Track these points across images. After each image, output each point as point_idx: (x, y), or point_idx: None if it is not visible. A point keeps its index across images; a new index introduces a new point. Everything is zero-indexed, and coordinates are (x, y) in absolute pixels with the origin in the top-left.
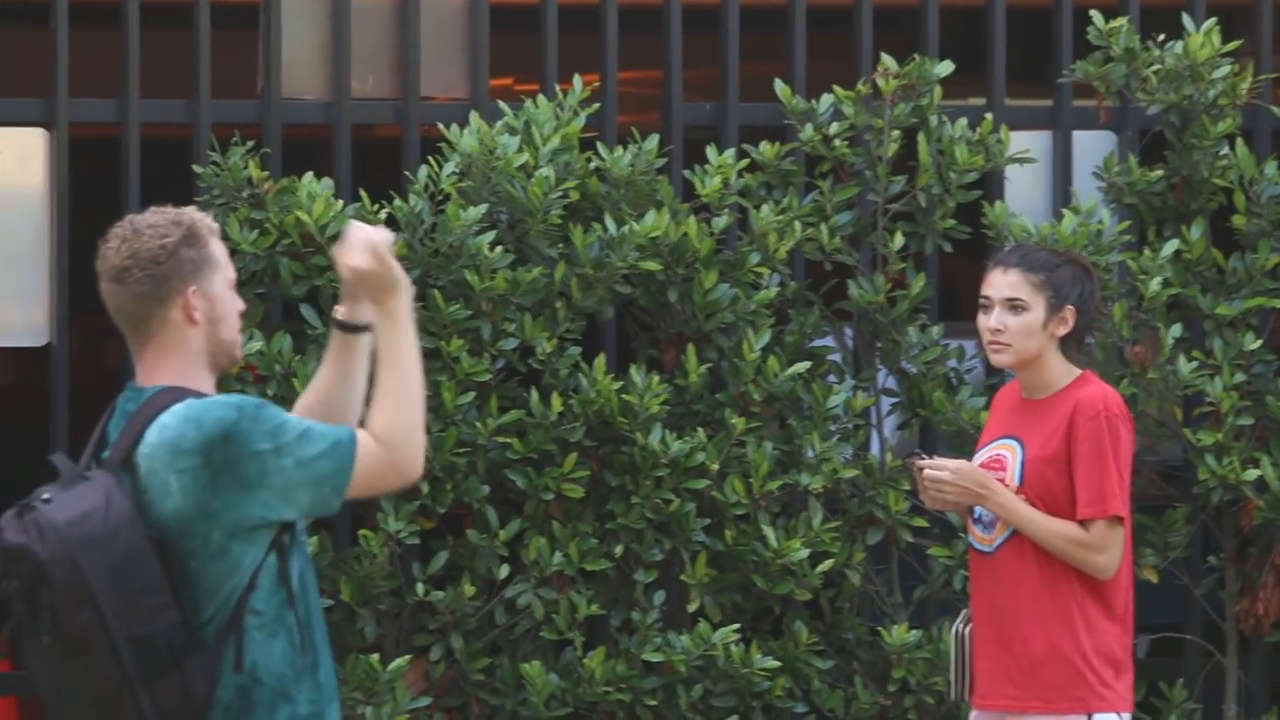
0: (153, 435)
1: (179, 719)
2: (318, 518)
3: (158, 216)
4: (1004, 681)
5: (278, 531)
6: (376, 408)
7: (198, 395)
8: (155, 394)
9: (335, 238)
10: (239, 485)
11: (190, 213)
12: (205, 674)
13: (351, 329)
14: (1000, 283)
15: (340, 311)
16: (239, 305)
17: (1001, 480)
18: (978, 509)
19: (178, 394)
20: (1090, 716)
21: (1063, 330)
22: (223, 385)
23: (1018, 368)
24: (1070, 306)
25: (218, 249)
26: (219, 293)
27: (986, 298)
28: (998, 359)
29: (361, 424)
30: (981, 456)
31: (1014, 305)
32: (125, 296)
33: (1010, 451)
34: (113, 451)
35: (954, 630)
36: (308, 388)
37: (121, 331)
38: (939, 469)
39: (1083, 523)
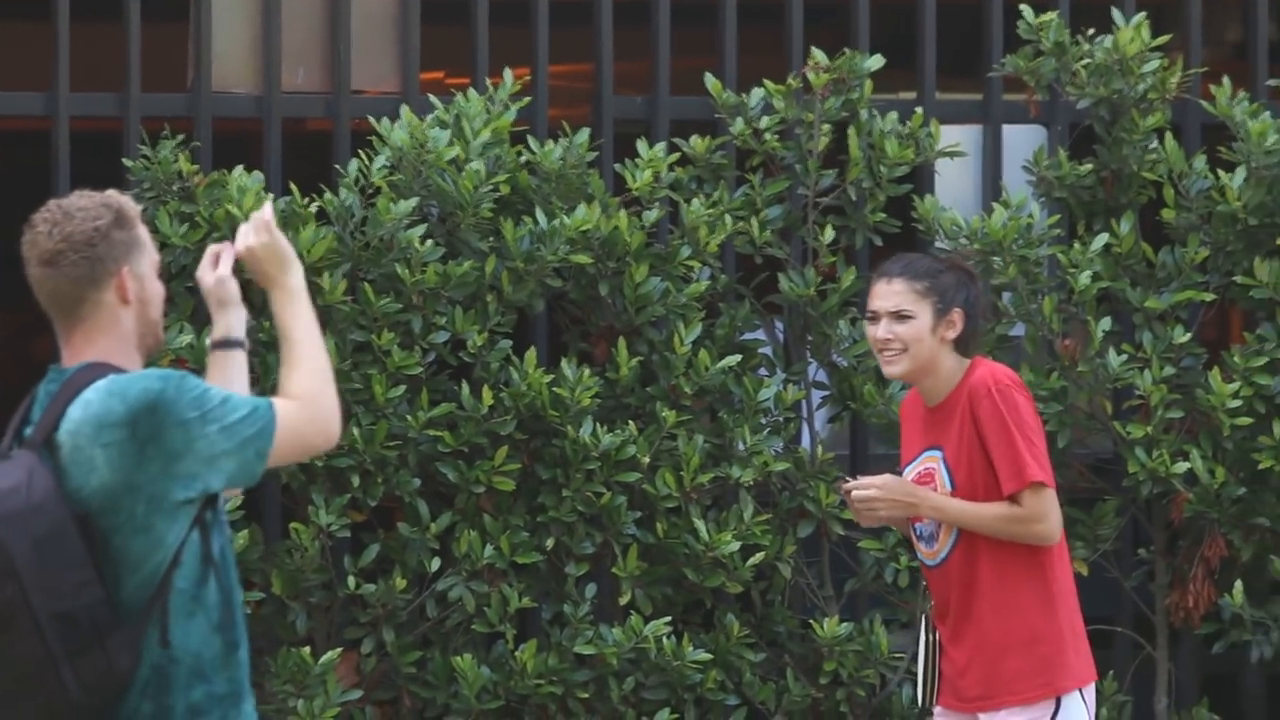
0: (75, 412)
1: (102, 694)
2: (247, 506)
3: (86, 200)
4: (973, 683)
5: (200, 508)
6: (287, 375)
7: (119, 371)
8: (76, 372)
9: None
10: (165, 456)
11: (116, 195)
12: (129, 650)
13: (228, 345)
14: (885, 293)
15: (215, 333)
16: (162, 289)
17: (935, 491)
18: (918, 525)
19: (100, 370)
20: (1059, 699)
21: (951, 334)
22: None
23: (913, 377)
24: (957, 310)
25: (143, 231)
26: (147, 274)
27: (873, 311)
28: (891, 370)
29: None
30: (911, 473)
31: (901, 315)
32: (59, 280)
33: (935, 462)
34: (35, 430)
35: (924, 639)
36: None
37: (50, 316)
38: (865, 488)
39: (1012, 498)
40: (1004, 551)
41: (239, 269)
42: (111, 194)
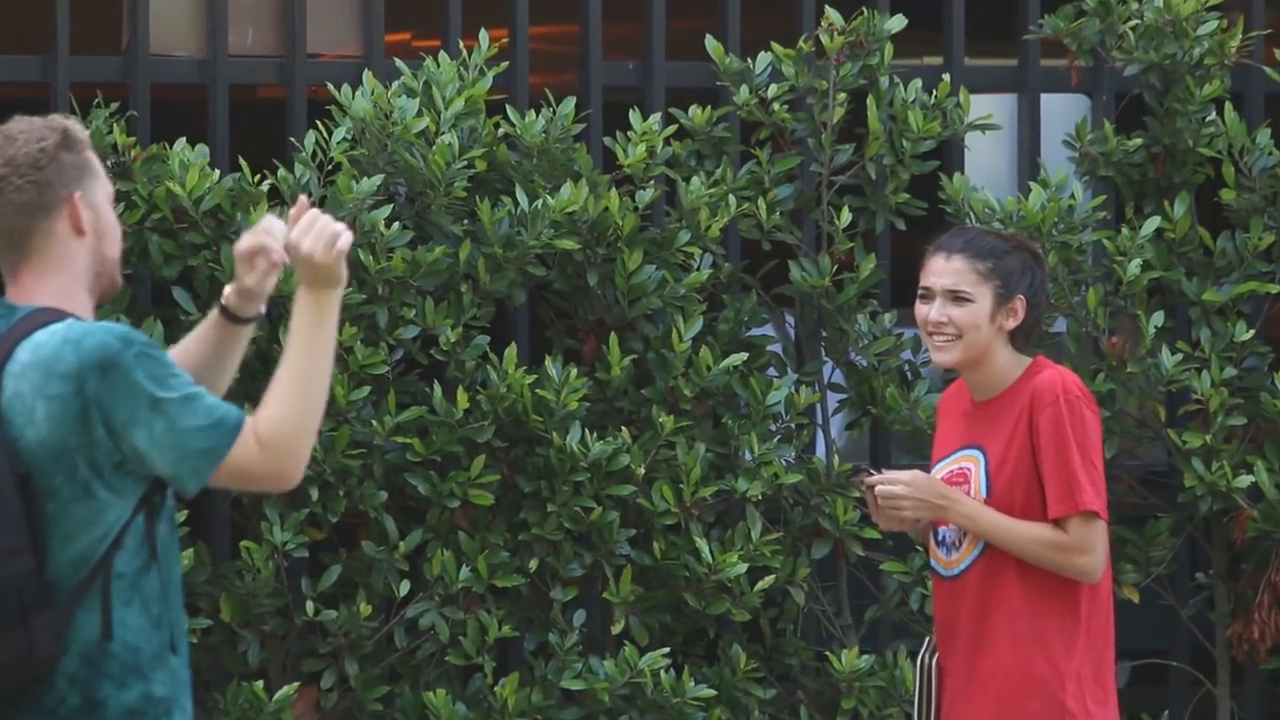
0: (24, 353)
1: (15, 678)
2: (193, 522)
3: (27, 123)
4: (976, 718)
5: (149, 489)
6: (269, 402)
7: (77, 319)
8: (31, 312)
9: (210, 212)
10: (106, 424)
11: (60, 119)
12: (52, 635)
13: (237, 319)
14: (943, 270)
15: (230, 296)
16: (117, 224)
17: (967, 494)
18: (941, 529)
19: (57, 314)
20: None
21: (1012, 323)
22: None
23: (964, 367)
24: (1020, 297)
25: (94, 157)
26: (102, 203)
27: (926, 288)
28: (941, 357)
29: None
30: (941, 471)
31: (958, 296)
32: (5, 209)
33: (973, 463)
34: None
35: (919, 660)
36: (179, 346)
37: None
38: (892, 483)
39: (1056, 523)
40: (1035, 575)
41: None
42: (55, 116)
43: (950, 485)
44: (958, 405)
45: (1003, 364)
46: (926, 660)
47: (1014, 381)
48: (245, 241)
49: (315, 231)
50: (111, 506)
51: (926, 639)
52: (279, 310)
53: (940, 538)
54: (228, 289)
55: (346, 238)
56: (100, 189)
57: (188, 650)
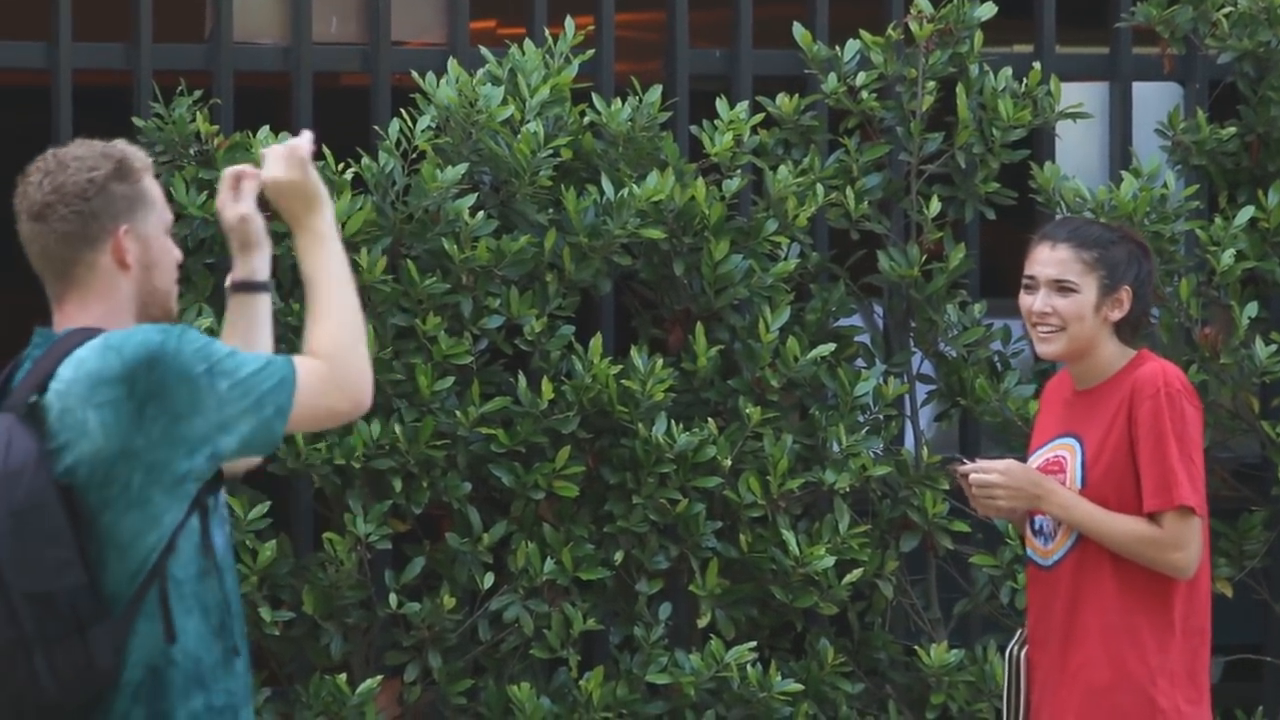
0: (67, 371)
1: (79, 693)
2: (275, 514)
3: (84, 149)
4: (1065, 711)
5: (201, 491)
6: (311, 327)
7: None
8: (67, 334)
9: None
10: (168, 416)
11: (121, 145)
12: (112, 645)
13: (250, 288)
14: (1048, 260)
15: (234, 274)
16: (176, 253)
17: (1062, 484)
18: (1037, 518)
19: (93, 332)
20: None
21: (1117, 314)
22: None
23: (1068, 358)
24: (1126, 288)
25: (152, 186)
26: (153, 235)
27: (1031, 277)
28: (1045, 349)
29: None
30: (1038, 459)
31: (1063, 286)
32: (49, 237)
33: (1069, 451)
34: (16, 393)
35: (1008, 652)
36: None
37: (41, 278)
38: (986, 471)
39: (1151, 517)
40: (1130, 568)
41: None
42: (117, 143)
43: (1045, 474)
44: (1059, 394)
45: (1107, 355)
46: (1016, 652)
47: (1117, 372)
48: (227, 214)
49: (271, 158)
50: (166, 511)
51: (1018, 631)
52: None
53: (1037, 527)
54: (231, 274)
55: (303, 142)
56: (154, 219)
57: (248, 657)
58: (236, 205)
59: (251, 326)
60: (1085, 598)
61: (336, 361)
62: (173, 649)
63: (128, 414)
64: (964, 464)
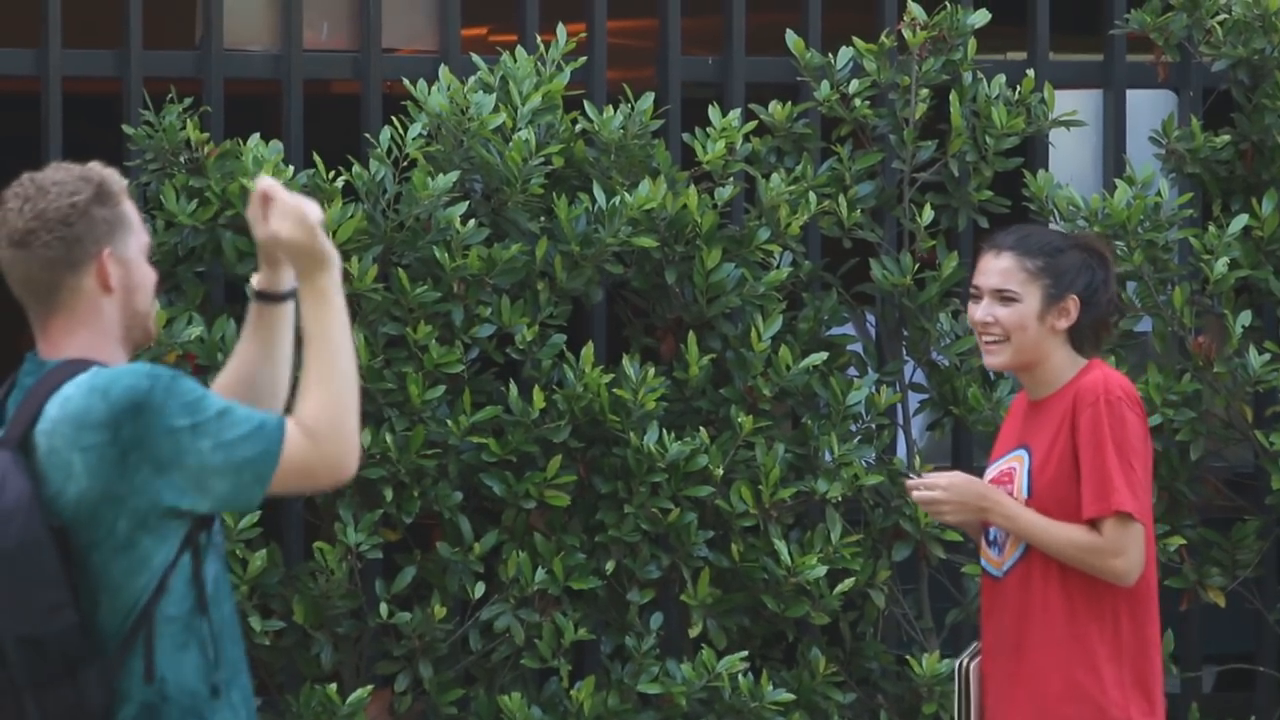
0: (53, 409)
1: None
2: (266, 523)
3: (62, 173)
4: None
5: (191, 528)
6: (303, 395)
7: (103, 366)
8: (57, 366)
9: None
10: (150, 465)
11: (98, 168)
12: (102, 685)
13: (272, 298)
14: (990, 269)
15: (257, 280)
16: (153, 275)
17: (1010, 494)
18: (991, 529)
19: (82, 365)
20: None
21: (1064, 323)
22: None
23: (1015, 368)
24: (1072, 297)
25: (130, 209)
26: (133, 258)
27: (976, 286)
28: (990, 360)
29: (288, 410)
30: (992, 471)
31: (1004, 296)
32: (31, 263)
33: (1019, 462)
34: (9, 428)
35: (958, 664)
36: (225, 367)
37: (24, 304)
38: (930, 488)
39: (1092, 524)
40: (1078, 579)
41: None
42: (93, 166)
43: (997, 485)
44: (1019, 407)
45: (1056, 365)
46: (965, 664)
47: (1066, 383)
48: (252, 203)
49: (280, 211)
50: (155, 552)
51: (972, 644)
52: None
53: (991, 538)
54: (254, 277)
55: (312, 207)
56: (133, 242)
57: (249, 684)
58: (265, 224)
59: (272, 336)
60: (1033, 608)
61: (322, 437)
62: (166, 685)
63: (111, 460)
64: (910, 478)
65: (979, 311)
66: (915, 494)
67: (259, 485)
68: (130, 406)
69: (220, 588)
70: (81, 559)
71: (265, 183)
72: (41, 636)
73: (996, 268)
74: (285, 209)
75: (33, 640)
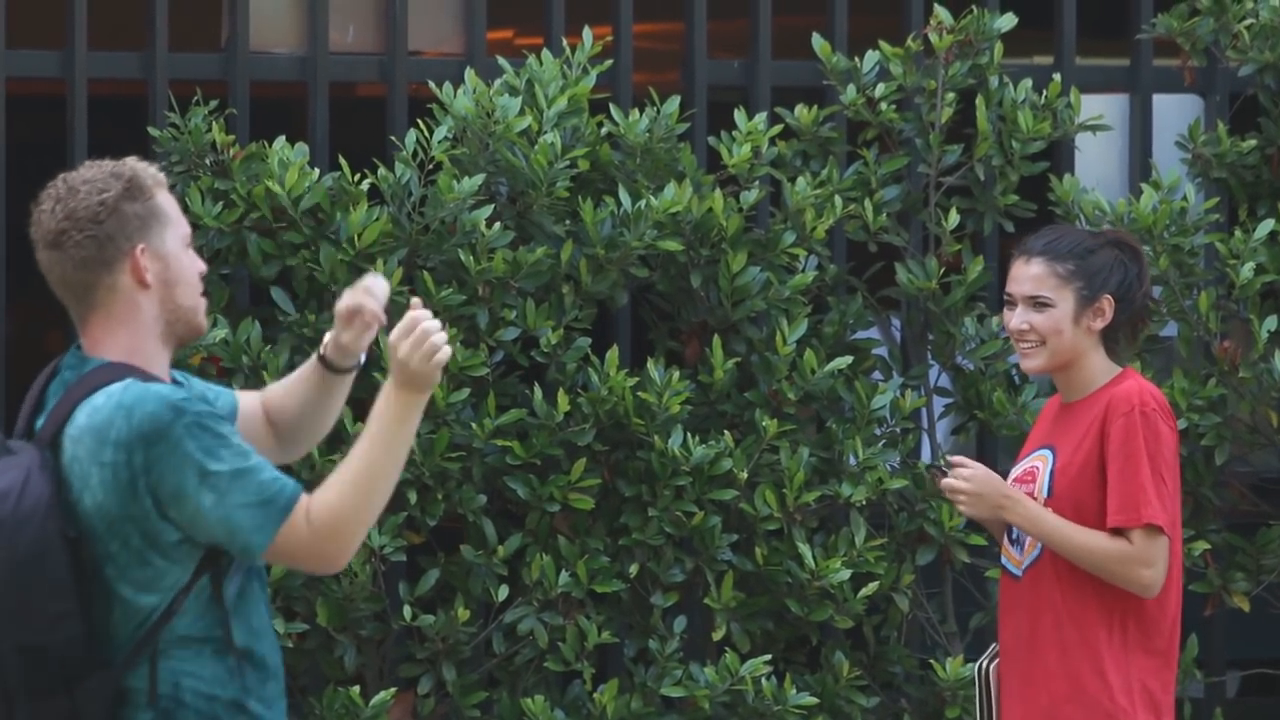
0: (82, 416)
1: None
2: None
3: (94, 171)
4: None
5: (210, 550)
6: (331, 485)
7: (143, 376)
8: (96, 368)
9: (309, 211)
10: (153, 498)
11: (131, 163)
12: (100, 700)
13: (339, 370)
14: (1023, 276)
15: (328, 347)
16: (199, 265)
17: (1030, 495)
18: (1014, 527)
19: (119, 371)
20: None
21: (1100, 323)
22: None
23: (1052, 371)
24: (1106, 297)
25: (166, 201)
26: (172, 251)
27: (1009, 294)
28: (1027, 364)
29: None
30: (1015, 470)
31: (1038, 302)
32: (65, 263)
33: (1042, 462)
34: (43, 427)
35: (978, 666)
36: (282, 384)
37: (64, 303)
38: (957, 476)
39: (1114, 533)
40: (1089, 584)
41: None
42: (126, 162)
43: (1019, 484)
44: (1051, 408)
45: (1091, 367)
46: (985, 666)
47: (1099, 388)
48: (345, 300)
49: (415, 338)
50: (168, 573)
51: (991, 645)
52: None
53: (1014, 535)
54: (327, 337)
55: (446, 351)
56: (171, 234)
57: (282, 692)
58: (400, 347)
59: (327, 399)
60: (1045, 610)
61: (323, 535)
62: (182, 691)
63: (125, 481)
64: (942, 471)
65: (1014, 320)
66: (943, 482)
67: (246, 554)
68: (148, 433)
69: (247, 600)
70: (94, 569)
71: (374, 310)
72: (44, 645)
73: (1028, 274)
74: (420, 337)
75: (34, 649)
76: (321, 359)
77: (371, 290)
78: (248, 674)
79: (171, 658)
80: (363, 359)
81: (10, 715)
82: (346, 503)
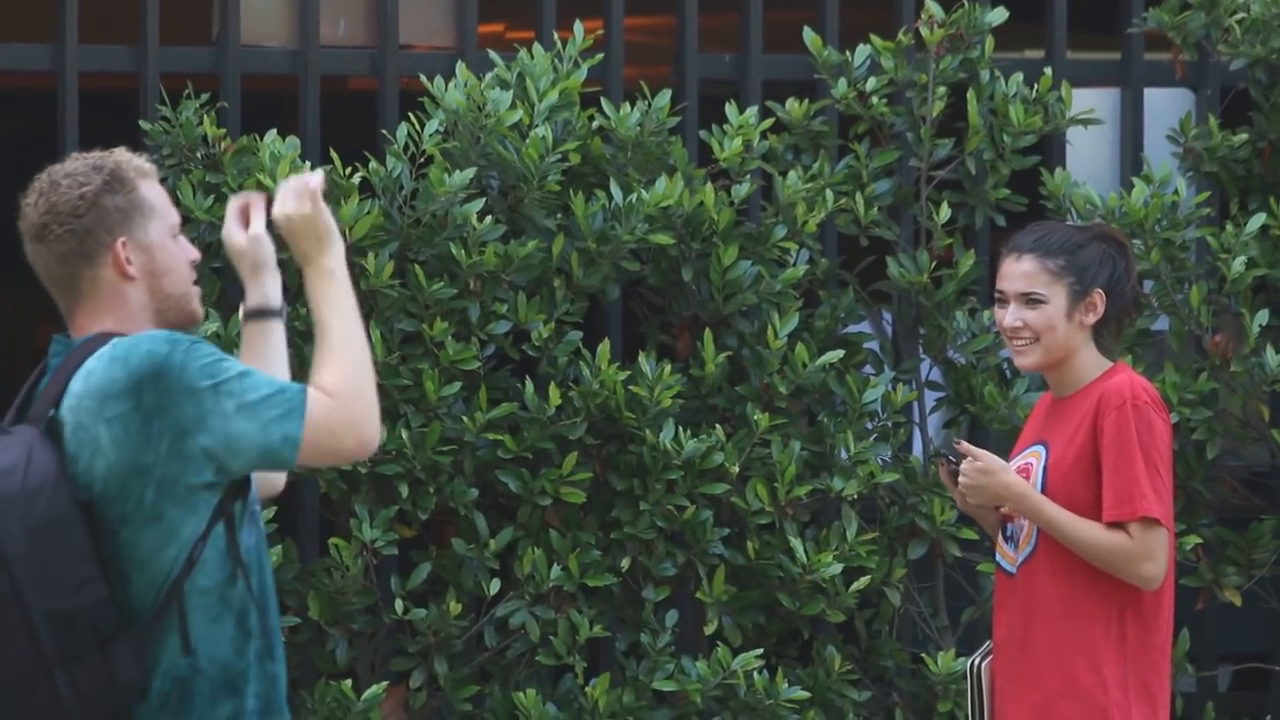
0: (77, 385)
1: (103, 709)
2: (281, 519)
3: (77, 164)
4: (1021, 719)
5: (224, 498)
6: (319, 365)
7: (122, 336)
8: (84, 341)
9: None
10: (173, 431)
11: (115, 155)
12: (135, 659)
13: (266, 314)
14: (1014, 273)
15: (248, 302)
16: (190, 253)
17: None
18: (1009, 525)
19: (104, 339)
20: None
21: (1092, 318)
22: None
23: (1046, 367)
24: (1098, 291)
25: (151, 192)
26: (157, 241)
27: (1000, 292)
28: (1023, 362)
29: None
30: (1011, 467)
31: (1031, 299)
32: (48, 257)
33: (1036, 457)
34: (36, 405)
35: (970, 663)
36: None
37: (52, 295)
38: (971, 464)
39: (1110, 527)
40: (1082, 578)
41: (274, 235)
42: (109, 154)
43: None
44: (1044, 403)
45: (1083, 362)
46: (977, 664)
47: (1090, 382)
48: (229, 218)
49: (281, 195)
50: (184, 524)
51: (985, 643)
52: None
53: (1008, 533)
54: (244, 303)
55: (315, 178)
56: (155, 225)
57: (284, 655)
58: (245, 230)
59: (267, 354)
60: (1039, 606)
61: (344, 398)
62: (199, 658)
63: (136, 428)
64: (951, 461)
65: (1007, 317)
66: (964, 465)
67: (289, 446)
68: (151, 372)
69: (258, 557)
70: (111, 534)
71: (241, 197)
72: (71, 611)
73: (1019, 271)
74: (286, 189)
75: (63, 614)
76: (249, 314)
77: (250, 202)
78: (262, 635)
79: (192, 620)
80: (280, 298)
81: (52, 683)
82: (344, 365)
